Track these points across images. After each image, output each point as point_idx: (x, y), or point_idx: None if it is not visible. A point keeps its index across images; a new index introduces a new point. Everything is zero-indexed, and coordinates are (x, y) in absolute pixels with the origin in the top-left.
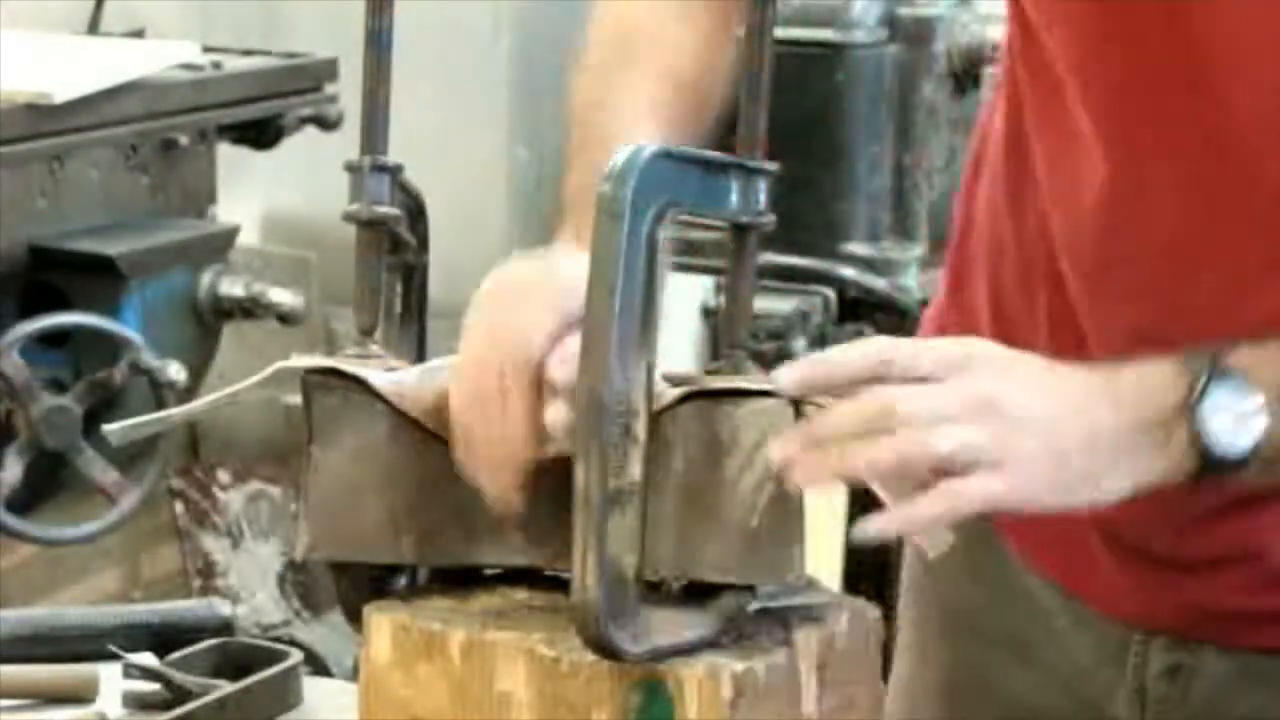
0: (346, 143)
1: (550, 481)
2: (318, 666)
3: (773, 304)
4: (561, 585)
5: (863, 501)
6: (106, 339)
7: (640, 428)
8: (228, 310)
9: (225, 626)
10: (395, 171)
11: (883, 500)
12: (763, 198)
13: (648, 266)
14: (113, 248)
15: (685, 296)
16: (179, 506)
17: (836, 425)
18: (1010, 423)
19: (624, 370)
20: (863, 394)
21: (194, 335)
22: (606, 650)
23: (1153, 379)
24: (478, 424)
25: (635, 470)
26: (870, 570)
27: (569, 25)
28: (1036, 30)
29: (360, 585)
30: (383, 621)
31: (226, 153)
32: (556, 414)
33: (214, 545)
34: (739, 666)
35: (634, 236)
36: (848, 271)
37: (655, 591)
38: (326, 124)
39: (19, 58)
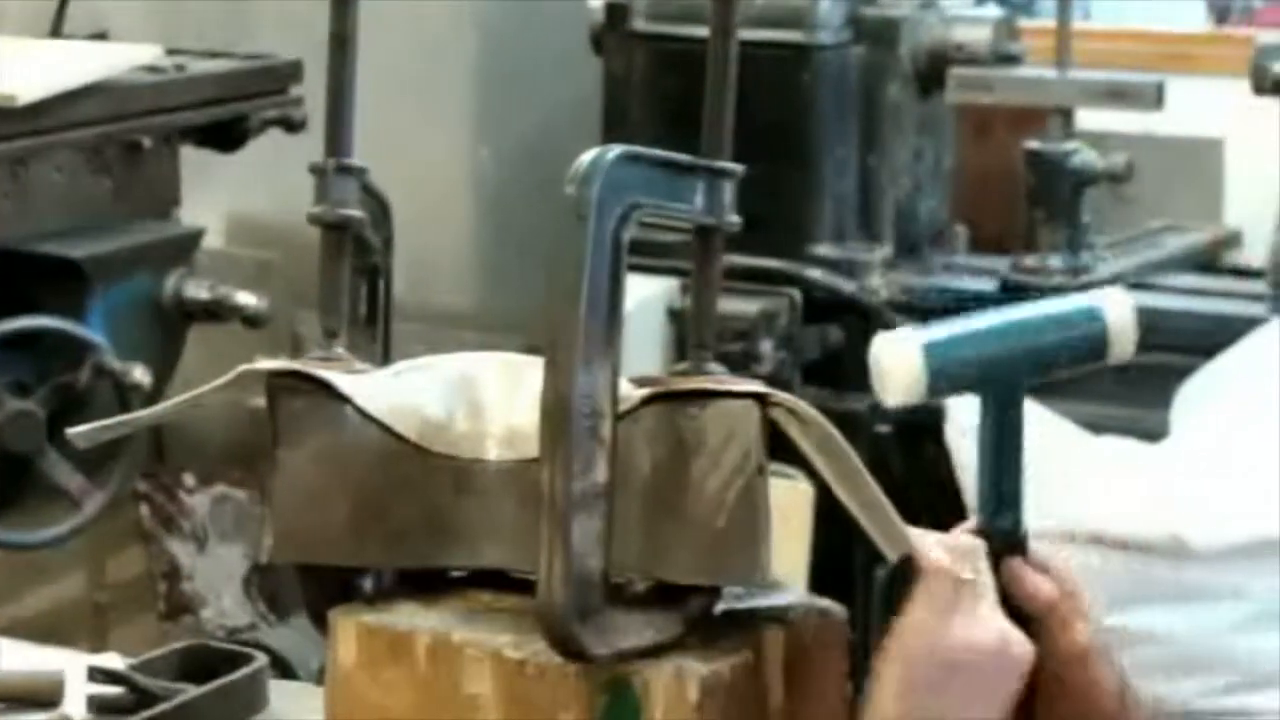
0: (311, 145)
1: (517, 484)
2: (284, 670)
3: (739, 305)
4: (528, 587)
5: (829, 504)
6: (71, 342)
7: (606, 429)
8: (192, 313)
9: None
10: (360, 174)
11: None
12: (728, 199)
13: (613, 268)
14: (77, 251)
15: (651, 298)
16: (144, 510)
17: None
18: None
19: (589, 372)
20: None
21: (159, 338)
22: (573, 652)
23: None
24: None
25: (601, 472)
26: (837, 571)
27: (532, 27)
28: None
29: (326, 588)
30: (348, 624)
31: (190, 155)
32: None
33: (179, 549)
34: (706, 668)
35: (599, 238)
36: (813, 273)
37: (622, 593)
38: (291, 126)
39: None
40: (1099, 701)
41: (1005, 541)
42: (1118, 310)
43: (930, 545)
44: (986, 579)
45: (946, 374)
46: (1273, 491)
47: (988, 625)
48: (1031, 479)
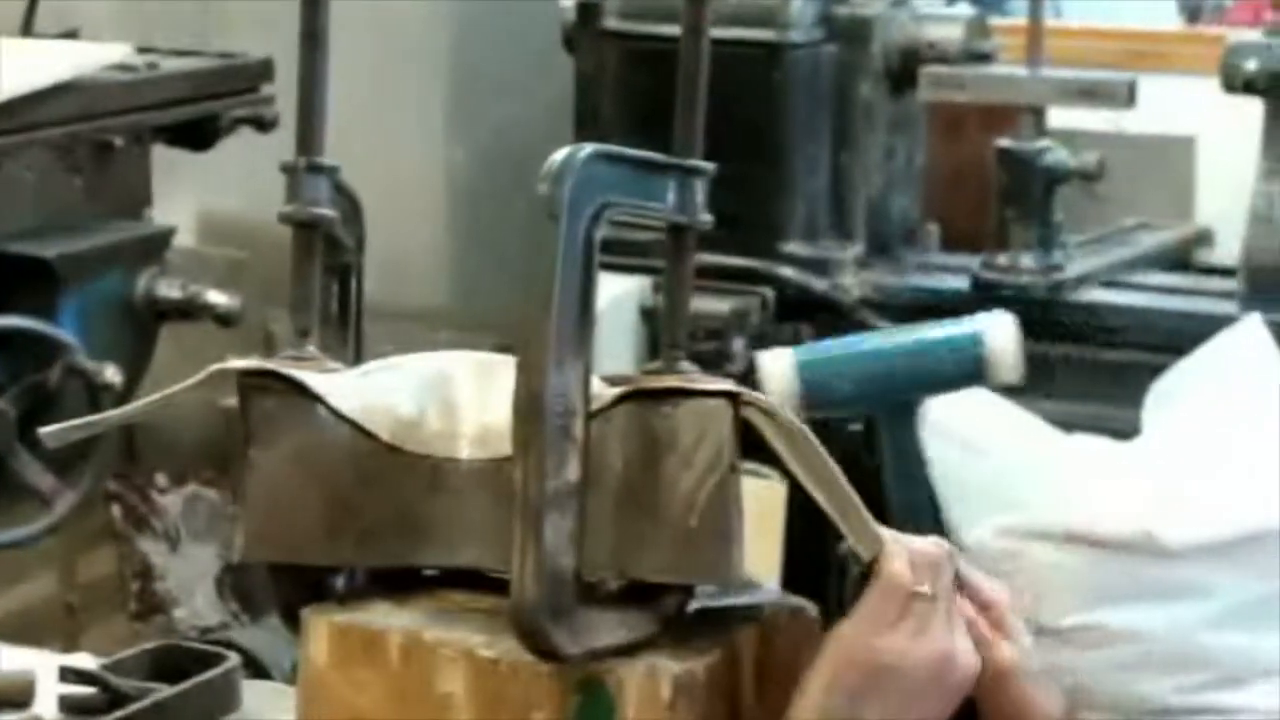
0: (283, 144)
1: (490, 483)
2: (257, 669)
3: (711, 304)
4: (501, 586)
5: (802, 501)
6: (42, 341)
7: (578, 428)
8: (164, 312)
9: None
10: (331, 172)
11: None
12: (700, 198)
13: (585, 267)
14: (48, 250)
15: (623, 297)
16: (116, 510)
17: None
18: None
19: (561, 370)
20: None
21: (130, 337)
22: (546, 651)
23: None
24: None
25: (573, 470)
26: (809, 569)
27: (504, 26)
28: None
29: (298, 587)
30: (321, 624)
31: (162, 154)
32: None
33: (151, 548)
34: (678, 667)
35: (571, 237)
36: (786, 271)
37: (594, 592)
38: (263, 125)
39: None
40: None
41: None
42: (1000, 336)
43: (895, 553)
44: (945, 594)
45: (820, 389)
46: (1245, 488)
47: (932, 641)
48: (1004, 477)
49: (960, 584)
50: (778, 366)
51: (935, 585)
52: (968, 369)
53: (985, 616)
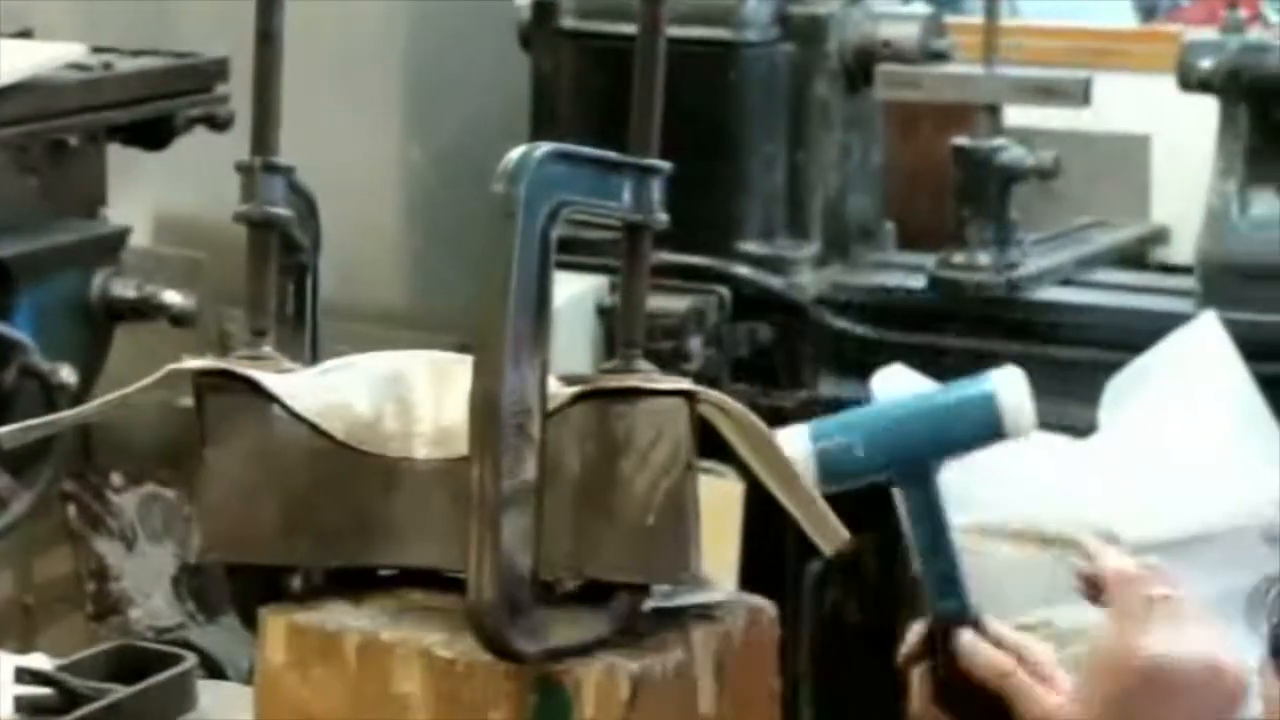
0: (239, 144)
1: (446, 482)
2: (213, 670)
3: (668, 302)
4: (458, 586)
5: (760, 501)
6: None
7: (535, 427)
8: (120, 312)
9: None
10: (287, 172)
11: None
12: (656, 197)
13: (541, 266)
14: (3, 250)
15: (580, 296)
16: (71, 510)
17: None
18: None
19: (518, 370)
20: None
21: (86, 337)
22: (503, 651)
23: None
24: None
25: (530, 470)
26: (767, 568)
27: (463, 26)
28: None
29: (255, 587)
30: (277, 623)
31: (117, 153)
32: None
33: (107, 548)
34: (636, 666)
35: (527, 235)
36: (742, 269)
37: (551, 591)
38: (218, 124)
39: None
40: None
41: (955, 622)
42: (1012, 392)
43: (1107, 553)
44: (1181, 598)
45: (839, 468)
46: (1200, 486)
47: (1193, 642)
48: (960, 475)
49: (997, 641)
50: (793, 448)
51: (1165, 589)
52: (983, 428)
53: (1023, 666)
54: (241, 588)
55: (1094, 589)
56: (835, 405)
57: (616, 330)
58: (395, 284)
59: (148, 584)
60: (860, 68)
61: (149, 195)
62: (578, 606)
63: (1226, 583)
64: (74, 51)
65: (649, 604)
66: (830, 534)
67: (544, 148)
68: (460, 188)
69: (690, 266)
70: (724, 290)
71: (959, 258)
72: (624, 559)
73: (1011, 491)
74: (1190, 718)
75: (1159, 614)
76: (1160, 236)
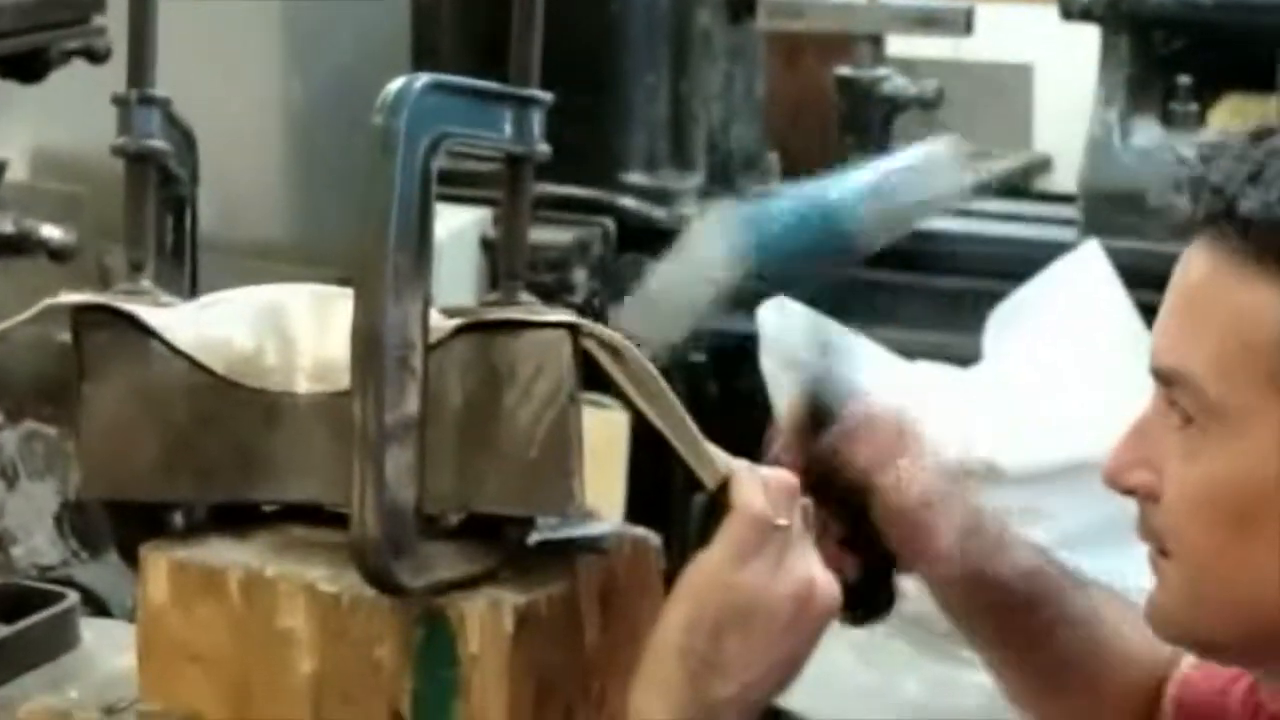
0: (117, 77)
1: (328, 417)
2: (97, 607)
3: (552, 235)
4: (341, 521)
5: (643, 433)
6: None
7: (417, 361)
8: None
9: None
10: (164, 105)
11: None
12: (537, 128)
13: (422, 198)
14: None
15: (463, 228)
16: None
17: None
18: None
19: (400, 303)
20: None
21: None
22: (387, 585)
23: None
24: None
25: (413, 404)
26: (653, 500)
27: None
28: None
29: (137, 524)
30: (159, 560)
31: None
32: None
33: None
34: (521, 599)
35: (407, 168)
36: (626, 201)
37: (435, 525)
38: (95, 57)
39: None
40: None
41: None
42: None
43: (749, 485)
44: (799, 524)
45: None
46: (1081, 414)
47: (791, 573)
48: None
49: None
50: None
51: (791, 515)
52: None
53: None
54: (122, 525)
55: None
56: (720, 337)
57: (499, 263)
58: (275, 218)
59: (30, 522)
60: None
61: (26, 129)
62: (462, 541)
63: (1108, 510)
64: None
65: (534, 537)
66: (712, 468)
67: (423, 79)
68: (340, 120)
69: (574, 198)
70: (608, 222)
71: None
72: (508, 492)
73: None
74: (777, 641)
75: (768, 546)
76: (1043, 165)
